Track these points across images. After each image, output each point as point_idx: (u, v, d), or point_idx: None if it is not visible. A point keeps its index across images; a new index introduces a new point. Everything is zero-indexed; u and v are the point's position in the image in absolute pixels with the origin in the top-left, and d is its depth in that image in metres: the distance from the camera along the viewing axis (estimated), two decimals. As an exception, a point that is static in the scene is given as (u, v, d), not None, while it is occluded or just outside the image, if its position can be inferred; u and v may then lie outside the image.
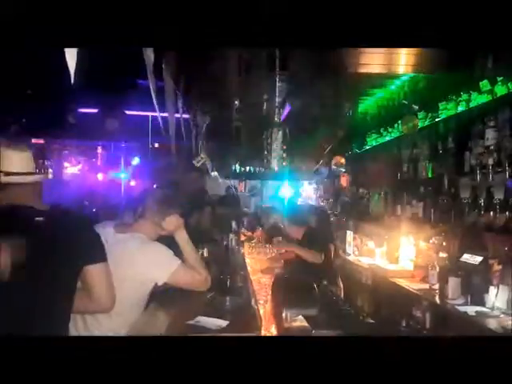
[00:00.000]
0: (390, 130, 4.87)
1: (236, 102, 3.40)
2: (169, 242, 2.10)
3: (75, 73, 1.23)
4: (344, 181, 6.26)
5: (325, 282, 3.07)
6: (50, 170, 6.86)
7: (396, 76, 4.09)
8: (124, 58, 2.73)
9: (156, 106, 1.99)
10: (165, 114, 2.48)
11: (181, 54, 2.21)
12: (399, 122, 4.56)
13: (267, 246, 4.18)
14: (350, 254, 5.14)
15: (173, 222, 2.06)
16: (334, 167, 6.14)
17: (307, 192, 8.00)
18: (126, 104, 5.85)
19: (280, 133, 2.40)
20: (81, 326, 1.84)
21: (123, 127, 6.08)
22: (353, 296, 4.34)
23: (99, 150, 8.13)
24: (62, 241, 1.51)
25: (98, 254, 1.62)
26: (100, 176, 7.77)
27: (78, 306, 1.62)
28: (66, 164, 7.77)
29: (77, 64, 1.24)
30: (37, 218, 1.48)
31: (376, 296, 4.09)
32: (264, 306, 2.46)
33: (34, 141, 6.64)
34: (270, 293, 2.51)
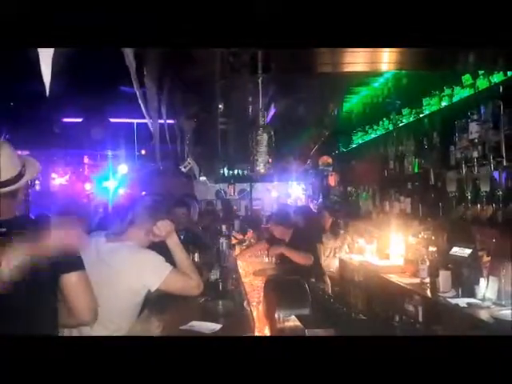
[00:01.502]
0: (375, 127, 4.91)
1: (220, 106, 3.40)
2: (160, 249, 2.09)
3: (56, 82, 1.21)
4: (332, 180, 6.30)
5: (313, 280, 3.10)
6: (38, 182, 6.78)
7: (379, 73, 4.13)
8: (106, 65, 2.71)
9: (144, 111, 1.97)
10: (149, 120, 2.47)
11: (162, 59, 2.20)
12: (384, 119, 4.61)
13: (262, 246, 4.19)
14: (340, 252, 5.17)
15: (163, 227, 2.04)
16: (321, 167, 6.18)
17: (296, 193, 8.03)
18: (111, 112, 5.80)
19: (265, 135, 2.40)
20: (75, 334, 1.81)
21: (109, 135, 6.03)
22: (345, 293, 4.36)
23: (86, 159, 8.04)
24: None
25: (73, 262, 1.52)
26: (88, 186, 7.69)
27: (63, 320, 1.55)
28: (53, 175, 7.67)
29: (58, 73, 1.22)
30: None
31: (368, 292, 4.11)
32: (257, 308, 2.46)
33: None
34: (263, 294, 2.50)
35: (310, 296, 2.19)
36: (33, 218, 1.81)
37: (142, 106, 1.92)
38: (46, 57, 1.14)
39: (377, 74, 4.11)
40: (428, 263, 3.41)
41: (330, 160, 6.15)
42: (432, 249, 3.58)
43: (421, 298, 3.15)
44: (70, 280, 1.51)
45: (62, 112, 5.85)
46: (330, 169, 6.22)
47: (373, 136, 5.00)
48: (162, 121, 2.83)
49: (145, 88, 2.22)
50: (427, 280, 3.32)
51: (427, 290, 3.19)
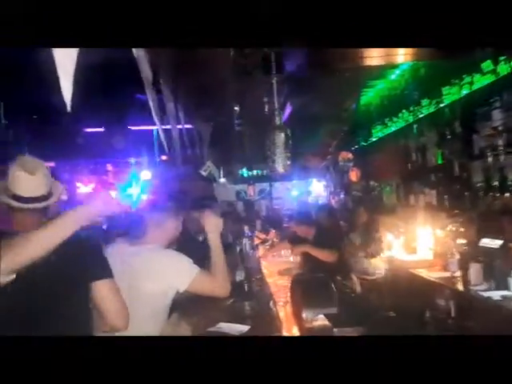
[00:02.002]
0: (394, 119, 4.83)
1: (236, 108, 3.41)
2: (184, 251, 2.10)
3: (77, 95, 1.24)
4: (353, 175, 6.22)
5: (339, 278, 3.06)
6: (64, 192, 6.99)
7: (395, 65, 4.05)
8: (122, 75, 2.76)
9: (157, 122, 1.99)
10: (167, 127, 2.50)
11: (177, 67, 2.23)
12: (403, 111, 4.52)
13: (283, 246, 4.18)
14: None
15: (213, 222, 2.06)
16: (341, 163, 6.11)
17: (317, 190, 7.97)
18: (130, 120, 5.92)
19: (282, 135, 2.39)
20: None
21: (130, 143, 6.15)
22: (373, 290, 4.29)
23: (109, 167, 8.21)
24: (65, 259, 1.46)
25: (102, 270, 1.56)
26: (112, 193, 7.84)
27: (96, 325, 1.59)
28: (78, 184, 7.87)
29: (78, 86, 1.25)
30: None
31: (397, 288, 4.04)
32: (283, 308, 2.45)
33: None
34: (289, 294, 2.50)
35: (337, 294, 2.18)
36: None
37: (154, 114, 1.93)
38: (65, 72, 1.16)
39: (393, 65, 4.03)
40: (458, 256, 3.32)
41: (349, 155, 6.08)
42: (461, 241, 3.48)
43: (452, 293, 3.07)
44: (99, 288, 1.54)
45: (83, 123, 6.00)
46: (351, 164, 6.15)
47: (393, 129, 4.91)
48: (179, 126, 2.87)
49: (161, 95, 2.26)
50: (458, 273, 3.23)
51: (458, 284, 3.11)
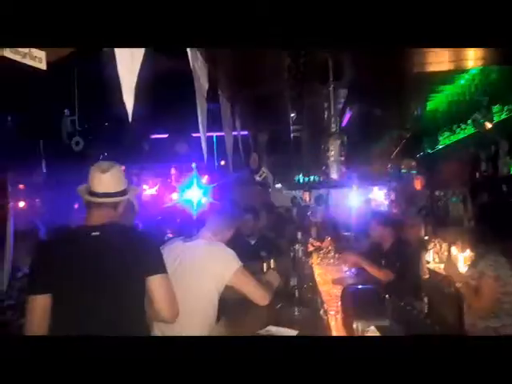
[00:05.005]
0: (463, 126, 4.55)
1: (292, 115, 3.42)
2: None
3: (144, 105, 1.33)
4: (418, 184, 5.94)
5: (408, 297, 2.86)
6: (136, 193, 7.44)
7: (465, 70, 3.82)
8: (187, 85, 2.91)
9: (201, 130, 2.06)
10: (224, 133, 2.59)
11: (235, 78, 2.30)
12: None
13: (336, 256, 4.08)
14: (429, 262, 4.83)
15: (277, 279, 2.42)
16: (404, 170, 5.86)
17: (378, 198, 7.70)
18: (193, 127, 6.15)
19: (337, 142, 2.37)
20: (158, 334, 1.97)
21: (192, 149, 6.40)
22: (434, 306, 4.05)
23: (172, 171, 8.60)
24: (124, 253, 1.61)
25: (156, 266, 1.67)
26: (175, 195, 8.21)
27: (148, 313, 1.71)
28: (144, 186, 8.34)
29: (144, 96, 1.34)
30: (93, 233, 1.60)
31: (461, 305, 3.77)
32: (335, 318, 2.41)
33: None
34: (340, 304, 2.45)
35: (389, 307, 2.10)
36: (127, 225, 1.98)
37: (200, 122, 1.99)
38: (128, 85, 1.25)
39: (462, 70, 3.80)
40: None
41: (413, 163, 5.81)
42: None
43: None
44: (154, 282, 1.66)
45: (150, 130, 6.35)
46: (415, 172, 5.88)
47: (461, 136, 4.63)
48: (235, 133, 2.96)
49: (217, 104, 2.35)
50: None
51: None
